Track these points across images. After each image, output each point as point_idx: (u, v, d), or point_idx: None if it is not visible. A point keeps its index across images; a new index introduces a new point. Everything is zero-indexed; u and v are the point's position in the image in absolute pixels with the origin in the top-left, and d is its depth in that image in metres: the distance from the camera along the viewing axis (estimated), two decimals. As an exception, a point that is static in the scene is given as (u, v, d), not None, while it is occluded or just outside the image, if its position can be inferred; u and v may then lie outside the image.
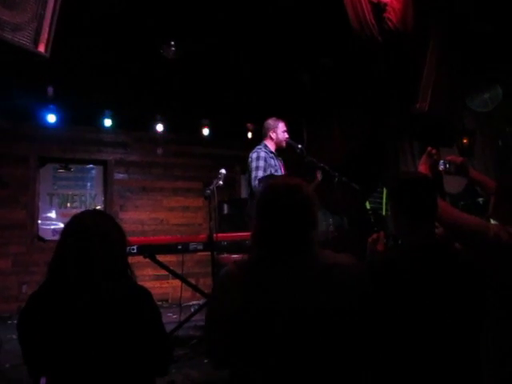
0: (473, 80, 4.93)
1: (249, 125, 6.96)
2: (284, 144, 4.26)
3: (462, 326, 1.56)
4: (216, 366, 1.66)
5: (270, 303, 1.35)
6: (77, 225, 1.65)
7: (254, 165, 4.04)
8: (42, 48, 2.63)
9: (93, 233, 1.60)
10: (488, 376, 1.71)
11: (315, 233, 1.47)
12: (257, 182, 3.94)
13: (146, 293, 1.66)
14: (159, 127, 6.65)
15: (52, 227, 6.27)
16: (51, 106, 5.91)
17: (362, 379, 1.45)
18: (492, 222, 1.98)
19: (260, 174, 3.96)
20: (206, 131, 6.89)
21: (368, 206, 6.46)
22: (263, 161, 4.05)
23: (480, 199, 4.88)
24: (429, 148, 2.09)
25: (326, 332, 1.35)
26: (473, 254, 1.77)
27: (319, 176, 4.04)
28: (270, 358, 1.36)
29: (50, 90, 5.60)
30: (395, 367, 1.56)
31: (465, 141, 5.38)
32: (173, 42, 4.82)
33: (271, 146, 4.25)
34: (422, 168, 2.02)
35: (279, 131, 4.23)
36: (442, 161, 2.14)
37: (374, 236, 1.89)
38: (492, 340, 1.75)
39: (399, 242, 1.78)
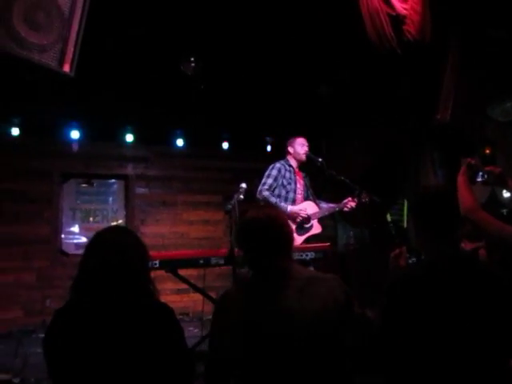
0: (494, 89, 4.87)
1: (268, 138, 6.99)
2: (304, 158, 4.35)
3: (487, 340, 1.53)
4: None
5: (265, 310, 1.62)
6: (99, 242, 1.67)
7: (266, 174, 4.32)
8: (67, 68, 2.71)
9: (115, 250, 1.63)
10: None
11: (291, 252, 1.79)
12: (262, 188, 4.20)
13: (167, 310, 1.68)
14: (179, 142, 6.72)
15: (75, 241, 6.36)
16: (74, 123, 6.04)
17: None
18: None
19: (269, 181, 4.23)
20: (225, 145, 6.94)
21: (389, 218, 6.39)
22: (277, 171, 4.29)
23: (504, 210, 4.80)
24: (468, 159, 2.07)
25: (312, 331, 1.59)
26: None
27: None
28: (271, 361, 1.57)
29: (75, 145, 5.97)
30: (413, 380, 1.55)
31: (487, 150, 5.30)
32: (192, 58, 4.89)
33: (292, 161, 4.43)
34: (461, 179, 2.00)
35: (297, 146, 4.38)
36: (480, 172, 2.11)
37: (397, 251, 1.88)
38: None
39: (422, 257, 1.76)
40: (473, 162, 2.05)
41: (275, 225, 1.72)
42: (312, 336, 1.59)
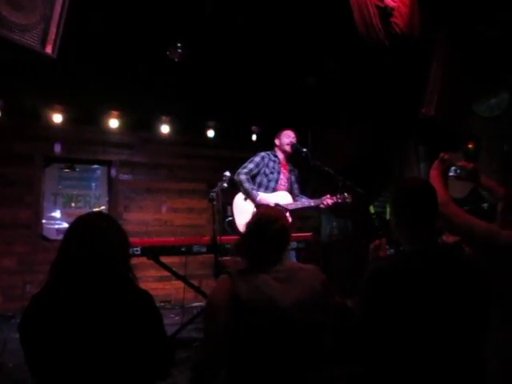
0: (479, 85, 4.92)
1: (254, 127, 6.97)
2: (288, 148, 4.35)
3: (461, 331, 1.56)
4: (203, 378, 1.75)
5: (261, 298, 1.72)
6: (80, 227, 1.65)
7: (249, 159, 4.36)
8: (49, 49, 2.65)
9: (95, 236, 1.61)
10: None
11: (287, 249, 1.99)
12: (241, 170, 4.24)
13: (147, 296, 1.67)
14: (165, 128, 6.66)
15: (56, 227, 6.29)
16: (57, 106, 5.94)
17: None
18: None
19: (250, 166, 4.28)
20: (211, 133, 6.91)
21: (372, 210, 6.45)
22: (260, 158, 4.33)
23: (485, 204, 4.86)
24: (442, 154, 2.09)
25: (303, 317, 1.73)
26: (482, 258, 1.78)
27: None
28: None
29: (58, 146, 5.86)
30: (391, 369, 1.58)
31: (470, 146, 5.35)
32: (179, 44, 4.83)
33: (279, 153, 4.46)
34: (434, 173, 2.02)
35: (283, 137, 4.40)
36: (453, 167, 2.14)
37: (376, 242, 1.91)
38: (495, 344, 1.75)
39: (401, 248, 1.79)
40: (446, 156, 2.07)
41: (284, 225, 1.92)
42: (291, 324, 1.71)
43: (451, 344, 1.54)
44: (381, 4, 3.39)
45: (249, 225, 1.95)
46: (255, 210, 2.09)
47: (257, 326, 1.70)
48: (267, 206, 3.28)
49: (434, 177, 2.00)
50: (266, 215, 1.94)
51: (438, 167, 2.06)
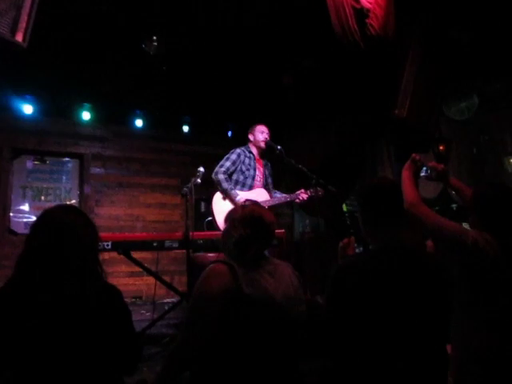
0: (450, 89, 5.03)
1: (229, 124, 6.96)
2: (262, 145, 4.37)
3: (422, 325, 1.61)
4: (181, 366, 1.74)
5: (254, 296, 1.73)
6: (48, 220, 1.61)
7: (225, 157, 4.31)
8: (19, 37, 2.58)
9: (63, 229, 1.58)
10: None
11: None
12: (218, 169, 4.21)
13: (114, 291, 1.65)
14: (139, 122, 6.58)
15: (24, 220, 6.13)
16: (28, 97, 5.79)
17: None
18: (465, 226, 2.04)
19: (227, 164, 4.24)
20: (186, 128, 6.86)
21: (345, 208, 6.52)
22: (236, 155, 4.30)
23: (454, 205, 4.99)
24: (413, 154, 2.13)
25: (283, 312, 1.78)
26: (450, 257, 1.83)
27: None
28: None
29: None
30: (358, 364, 1.61)
31: (441, 148, 5.48)
32: (155, 38, 4.77)
33: (252, 148, 4.45)
34: (406, 174, 2.06)
35: (257, 133, 4.40)
36: (424, 167, 2.18)
37: (345, 241, 1.95)
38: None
39: (370, 246, 1.82)
40: (417, 157, 2.12)
41: (273, 222, 1.97)
42: (284, 317, 1.79)
43: (413, 338, 1.59)
44: (357, 5, 3.42)
45: (241, 219, 1.93)
46: (240, 206, 2.08)
47: (256, 319, 1.72)
48: (255, 203, 3.30)
49: (406, 177, 2.03)
50: (257, 211, 1.97)
51: (410, 168, 2.10)
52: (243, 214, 1.95)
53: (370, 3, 3.46)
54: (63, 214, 1.64)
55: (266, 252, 3.98)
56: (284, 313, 1.78)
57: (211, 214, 4.16)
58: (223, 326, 1.69)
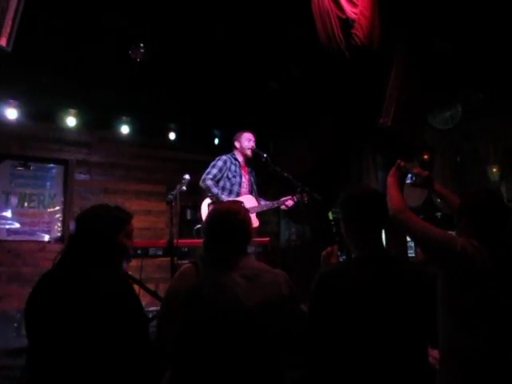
0: (434, 98, 5.09)
1: (216, 131, 6.95)
2: (249, 152, 4.38)
3: (403, 334, 1.62)
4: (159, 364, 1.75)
5: (215, 297, 1.68)
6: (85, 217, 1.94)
7: (211, 164, 4.33)
8: (3, 41, 2.56)
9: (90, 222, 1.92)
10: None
11: (248, 246, 1.91)
12: (206, 176, 4.21)
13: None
14: (124, 129, 6.53)
15: (7, 227, 6.03)
16: (11, 101, 5.72)
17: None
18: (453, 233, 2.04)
19: (214, 171, 4.25)
20: (172, 135, 6.83)
21: (331, 216, 6.54)
22: (222, 162, 4.32)
23: (438, 213, 5.04)
24: (398, 161, 2.13)
25: (254, 319, 1.67)
26: (436, 265, 1.82)
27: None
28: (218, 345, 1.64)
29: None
30: (335, 373, 1.62)
31: (425, 156, 5.54)
32: (142, 44, 4.76)
33: (238, 155, 4.47)
34: (391, 180, 2.05)
35: (243, 140, 4.41)
36: (409, 174, 2.19)
37: (329, 249, 1.95)
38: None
39: (352, 255, 1.83)
40: (402, 164, 2.12)
41: (245, 218, 1.88)
42: (252, 324, 1.68)
43: (395, 346, 1.60)
44: (342, 15, 3.46)
45: (208, 217, 1.93)
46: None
47: (213, 320, 1.65)
48: (227, 201, 3.30)
49: (391, 184, 2.03)
50: (225, 208, 1.93)
51: (395, 174, 2.10)
52: (209, 213, 1.95)
53: (355, 13, 3.50)
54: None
55: (253, 256, 4.01)
56: (252, 319, 1.66)
57: (200, 221, 4.15)
58: (183, 325, 1.68)
